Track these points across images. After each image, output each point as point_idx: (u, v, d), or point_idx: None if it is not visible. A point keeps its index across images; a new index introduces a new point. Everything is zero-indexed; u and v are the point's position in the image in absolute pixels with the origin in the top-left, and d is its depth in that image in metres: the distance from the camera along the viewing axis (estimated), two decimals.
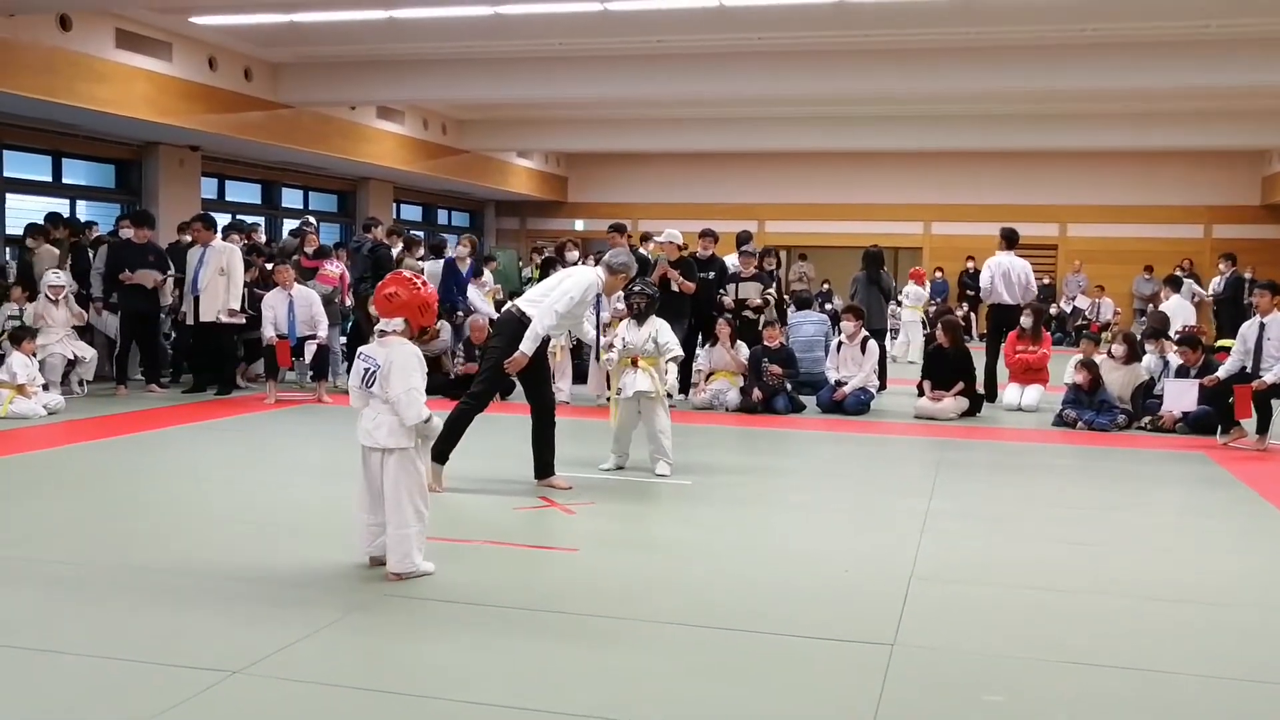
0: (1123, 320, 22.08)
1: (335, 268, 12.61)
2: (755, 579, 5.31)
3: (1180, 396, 10.34)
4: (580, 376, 12.21)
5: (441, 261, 13.35)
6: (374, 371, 5.09)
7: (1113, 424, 10.44)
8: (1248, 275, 18.74)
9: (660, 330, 7.84)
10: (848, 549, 6.01)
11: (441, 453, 7.01)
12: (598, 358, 8.72)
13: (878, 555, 5.80)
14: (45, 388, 10.42)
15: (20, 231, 13.25)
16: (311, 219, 14.43)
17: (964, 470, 8.48)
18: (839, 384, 11.38)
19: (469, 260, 13.12)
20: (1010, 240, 12.52)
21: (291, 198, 20.79)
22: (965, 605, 4.99)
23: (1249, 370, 9.67)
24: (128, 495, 7.11)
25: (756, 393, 11.14)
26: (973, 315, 22.72)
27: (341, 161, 18.52)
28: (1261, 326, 9.69)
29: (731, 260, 12.47)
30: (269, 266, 12.59)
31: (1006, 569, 5.62)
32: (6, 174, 14.95)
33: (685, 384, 11.78)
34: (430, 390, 5.46)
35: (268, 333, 11.38)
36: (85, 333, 11.81)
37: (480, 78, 15.32)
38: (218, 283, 11.63)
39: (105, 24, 12.75)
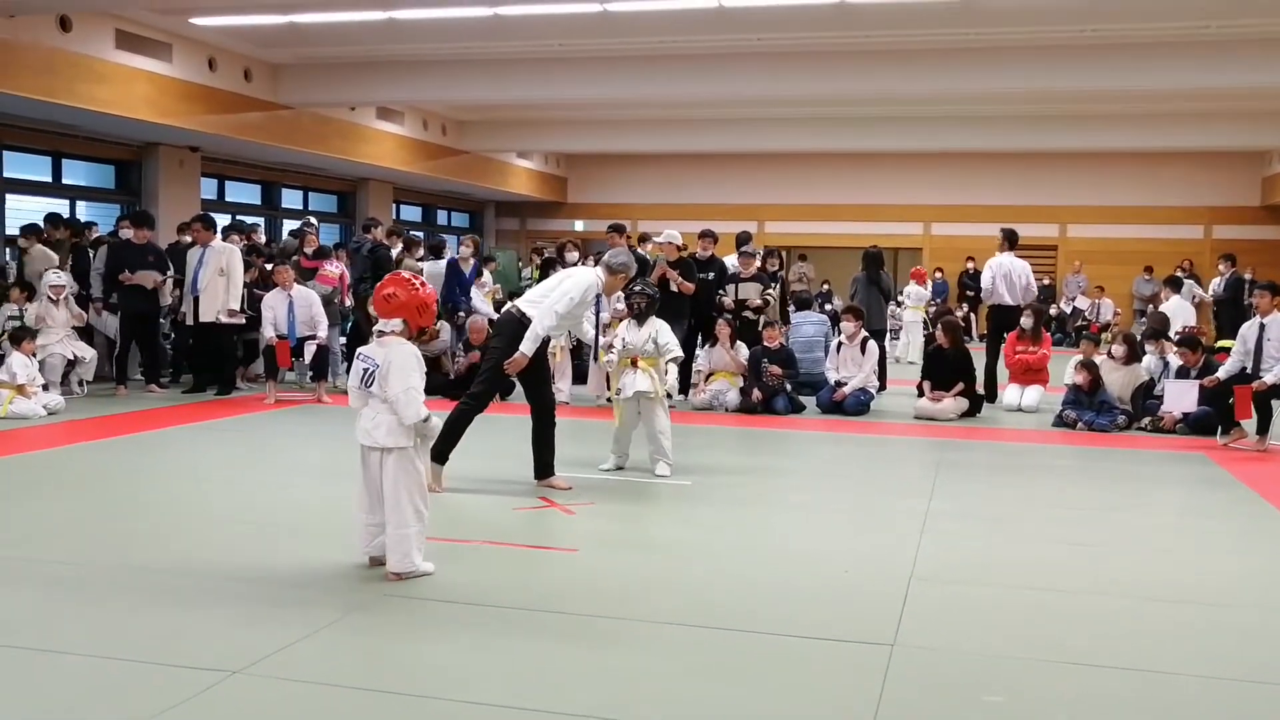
0: (1123, 321, 22.09)
1: (335, 268, 12.61)
2: (755, 579, 5.31)
3: (1180, 397, 10.34)
4: (580, 377, 12.22)
5: (441, 262, 13.37)
6: (373, 371, 5.09)
7: (1113, 425, 10.44)
8: (1248, 276, 18.73)
9: (660, 331, 7.84)
10: (847, 549, 6.01)
11: (441, 453, 7.01)
12: (597, 358, 8.71)
13: (877, 555, 5.80)
14: (45, 388, 10.43)
15: (18, 232, 13.22)
16: (313, 219, 14.42)
17: (964, 471, 8.48)
18: (839, 384, 11.38)
19: (472, 261, 13.11)
20: (1011, 241, 12.52)
21: (291, 198, 20.79)
22: (965, 606, 4.98)
23: (1249, 371, 9.66)
24: (128, 495, 7.10)
25: (756, 393, 11.14)
26: (972, 316, 22.73)
27: (341, 162, 18.52)
28: (1261, 327, 9.69)
29: (731, 261, 12.47)
30: (269, 267, 12.59)
31: (1006, 569, 5.61)
32: (6, 174, 14.95)
33: (685, 385, 11.78)
34: (430, 390, 5.46)
35: (268, 333, 11.39)
36: (85, 333, 11.81)
37: (480, 78, 15.33)
38: (217, 283, 11.64)
39: (105, 25, 12.75)
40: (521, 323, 7.13)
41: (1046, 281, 22.69)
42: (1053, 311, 21.91)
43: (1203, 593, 5.29)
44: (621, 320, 8.27)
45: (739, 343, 11.48)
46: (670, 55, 14.43)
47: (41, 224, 13.45)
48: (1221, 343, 14.16)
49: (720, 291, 11.85)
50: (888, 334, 14.84)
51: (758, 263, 12.33)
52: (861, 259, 13.24)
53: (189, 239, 12.39)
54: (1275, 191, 22.33)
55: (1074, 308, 23.36)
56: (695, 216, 20.52)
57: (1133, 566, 5.76)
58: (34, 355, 10.36)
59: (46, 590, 4.94)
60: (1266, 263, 21.12)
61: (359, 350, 5.27)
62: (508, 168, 23.86)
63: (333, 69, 15.61)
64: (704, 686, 3.96)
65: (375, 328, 5.31)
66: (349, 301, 12.86)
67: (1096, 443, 9.88)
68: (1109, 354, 11.32)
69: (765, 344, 11.35)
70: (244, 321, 12.02)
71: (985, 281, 12.54)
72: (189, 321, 11.87)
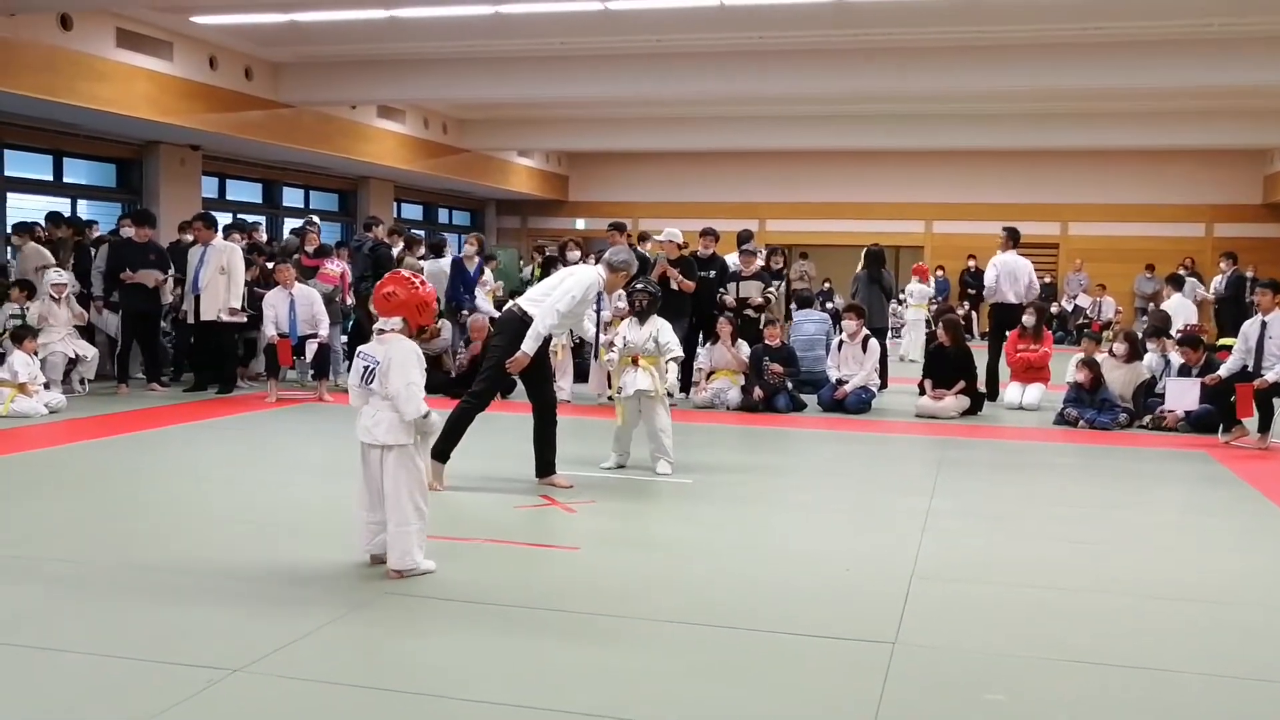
0: (1124, 319, 22.07)
1: (336, 266, 12.60)
2: (756, 578, 5.31)
3: (1182, 395, 10.33)
4: (581, 375, 12.21)
5: (441, 261, 13.37)
6: (373, 369, 5.09)
7: (1114, 423, 10.43)
8: (1249, 274, 18.73)
9: (661, 330, 7.84)
10: (849, 548, 6.00)
11: (443, 451, 7.01)
12: (598, 356, 8.71)
13: (879, 554, 5.79)
14: (46, 386, 10.43)
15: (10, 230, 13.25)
16: (315, 218, 14.43)
17: (965, 469, 8.48)
18: (840, 382, 11.38)
19: (476, 259, 13.11)
20: (1015, 239, 12.53)
21: (292, 197, 20.80)
22: (966, 604, 4.98)
23: (1250, 369, 9.65)
24: (128, 494, 7.10)
25: (758, 391, 11.13)
26: (974, 314, 22.74)
27: (342, 161, 18.52)
28: (1263, 325, 9.68)
29: (732, 259, 12.46)
30: (270, 265, 12.59)
31: (1008, 568, 5.61)
32: (8, 173, 14.96)
33: (686, 383, 11.78)
34: (431, 389, 5.46)
35: (269, 331, 11.38)
36: (86, 332, 11.82)
37: (481, 77, 15.32)
38: (218, 282, 11.63)
39: (106, 23, 12.75)
40: (523, 321, 7.12)
41: (1048, 279, 22.68)
42: (1054, 309, 21.90)
43: (1204, 591, 5.29)
44: (623, 319, 8.26)
45: (740, 341, 11.47)
46: (672, 53, 14.43)
47: (42, 222, 13.48)
48: (1223, 341, 14.16)
49: (721, 290, 11.84)
50: (889, 332, 14.83)
51: (759, 261, 12.33)
52: (863, 257, 13.23)
53: (190, 238, 12.39)
54: (1277, 189, 22.31)
55: (1075, 306, 23.35)
56: (696, 215, 20.53)
57: (1134, 564, 5.75)
58: (35, 354, 10.36)
59: (47, 588, 4.94)
60: (1268, 261, 21.10)
61: (359, 349, 5.27)
62: (509, 166, 23.86)
63: (334, 67, 15.61)
64: (705, 685, 3.96)
65: (375, 326, 5.31)
66: (350, 300, 12.86)
67: (1098, 441, 9.87)
68: (1110, 352, 11.31)
69: (766, 342, 11.35)
70: (245, 320, 12.02)
71: (989, 279, 12.54)
72: (190, 320, 11.87)
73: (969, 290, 23.82)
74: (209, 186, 18.02)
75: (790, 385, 11.32)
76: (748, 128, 20.94)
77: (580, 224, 25.65)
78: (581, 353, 12.24)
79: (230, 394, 11.71)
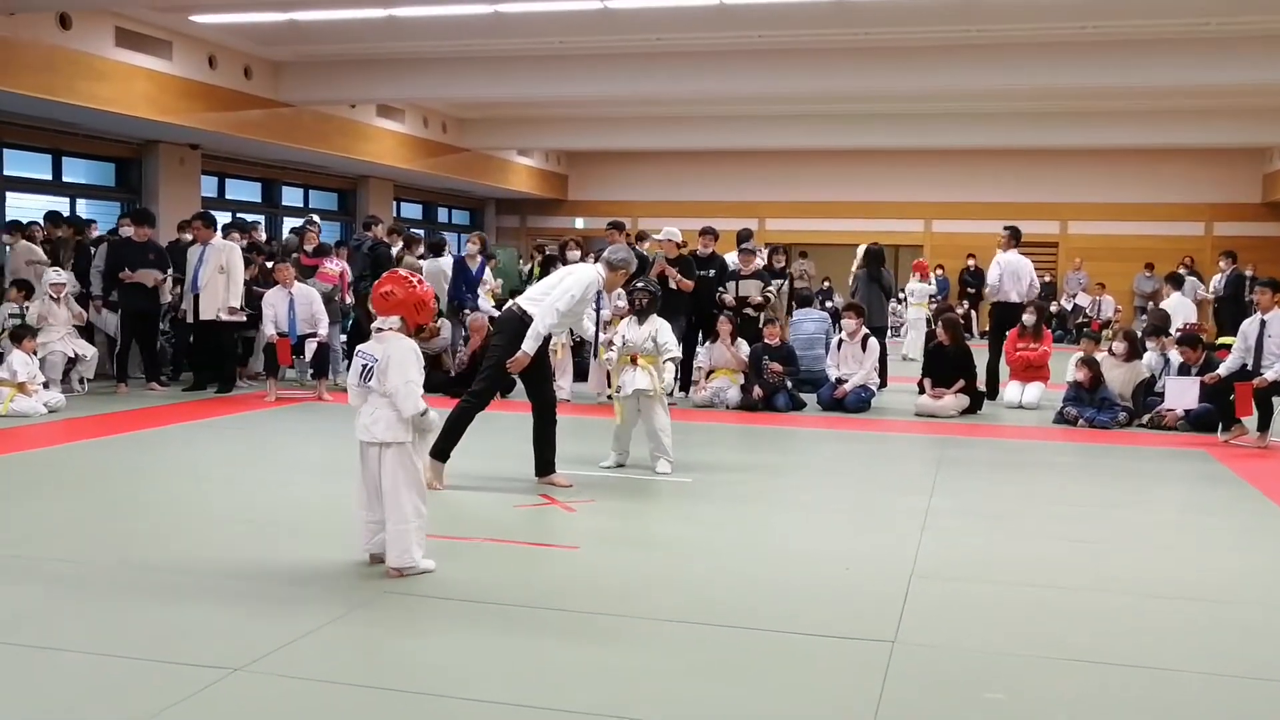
0: (1123, 318, 22.07)
1: (335, 265, 12.60)
2: (756, 577, 5.31)
3: (1182, 394, 10.33)
4: (581, 374, 12.21)
5: (440, 260, 13.37)
6: (371, 367, 5.09)
7: (1114, 421, 10.43)
8: (1248, 273, 18.72)
9: (660, 330, 7.84)
10: (848, 547, 6.00)
11: (442, 450, 7.02)
12: (597, 355, 8.71)
13: (878, 553, 5.79)
14: (46, 386, 10.42)
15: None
16: (316, 217, 14.43)
17: (965, 468, 8.48)
18: (840, 381, 11.38)
19: (479, 258, 13.11)
20: (1017, 238, 12.55)
21: (292, 196, 20.80)
22: (966, 603, 4.98)
23: (1250, 368, 9.66)
24: (128, 493, 7.10)
25: (757, 390, 11.13)
26: (973, 313, 22.74)
27: (342, 160, 18.52)
28: (1262, 324, 9.68)
29: (732, 258, 12.45)
30: (269, 265, 12.59)
31: (1007, 566, 5.61)
32: (7, 172, 14.96)
33: (686, 382, 11.78)
34: (430, 388, 5.46)
35: (268, 330, 11.38)
36: (86, 331, 11.82)
37: (480, 76, 15.32)
38: (217, 281, 11.62)
39: (105, 22, 12.75)
40: (523, 321, 7.12)
41: (1047, 278, 22.67)
42: (1053, 308, 21.90)
43: (1204, 590, 5.29)
44: (622, 318, 8.26)
45: (740, 340, 11.47)
46: (671, 52, 14.43)
47: (40, 221, 13.47)
48: (1222, 339, 14.16)
49: (720, 288, 11.84)
50: (889, 331, 14.83)
51: (758, 260, 12.31)
52: (862, 256, 13.22)
53: (189, 237, 12.39)
54: (1276, 188, 22.31)
55: (1075, 305, 23.35)
56: (696, 214, 20.53)
57: (1134, 563, 5.75)
58: (35, 353, 10.35)
59: (47, 588, 4.93)
60: (1267, 259, 21.09)
61: (358, 347, 5.27)
62: (508, 165, 23.86)
63: (333, 66, 15.61)
64: (705, 684, 3.96)
65: (374, 325, 5.31)
66: (349, 299, 12.86)
67: (1097, 440, 9.87)
68: (1110, 351, 11.31)
69: (766, 341, 11.35)
70: (245, 319, 12.02)
71: (992, 278, 12.52)
72: (189, 319, 11.87)
73: (968, 289, 23.84)
74: (208, 186, 18.02)
75: (790, 384, 11.32)
76: (747, 127, 20.94)
77: (579, 223, 25.65)
78: (581, 352, 12.24)
79: (230, 393, 11.71)
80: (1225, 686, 4.07)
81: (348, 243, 14.48)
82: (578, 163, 26.74)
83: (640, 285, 8.02)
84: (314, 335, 11.45)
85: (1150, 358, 11.35)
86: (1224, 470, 8.50)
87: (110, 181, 16.66)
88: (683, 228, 12.09)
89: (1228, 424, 9.83)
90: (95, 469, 7.87)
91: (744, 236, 13.08)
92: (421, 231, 16.82)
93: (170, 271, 11.91)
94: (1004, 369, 12.32)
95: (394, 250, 13.64)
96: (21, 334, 10.33)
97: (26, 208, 14.84)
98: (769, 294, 11.87)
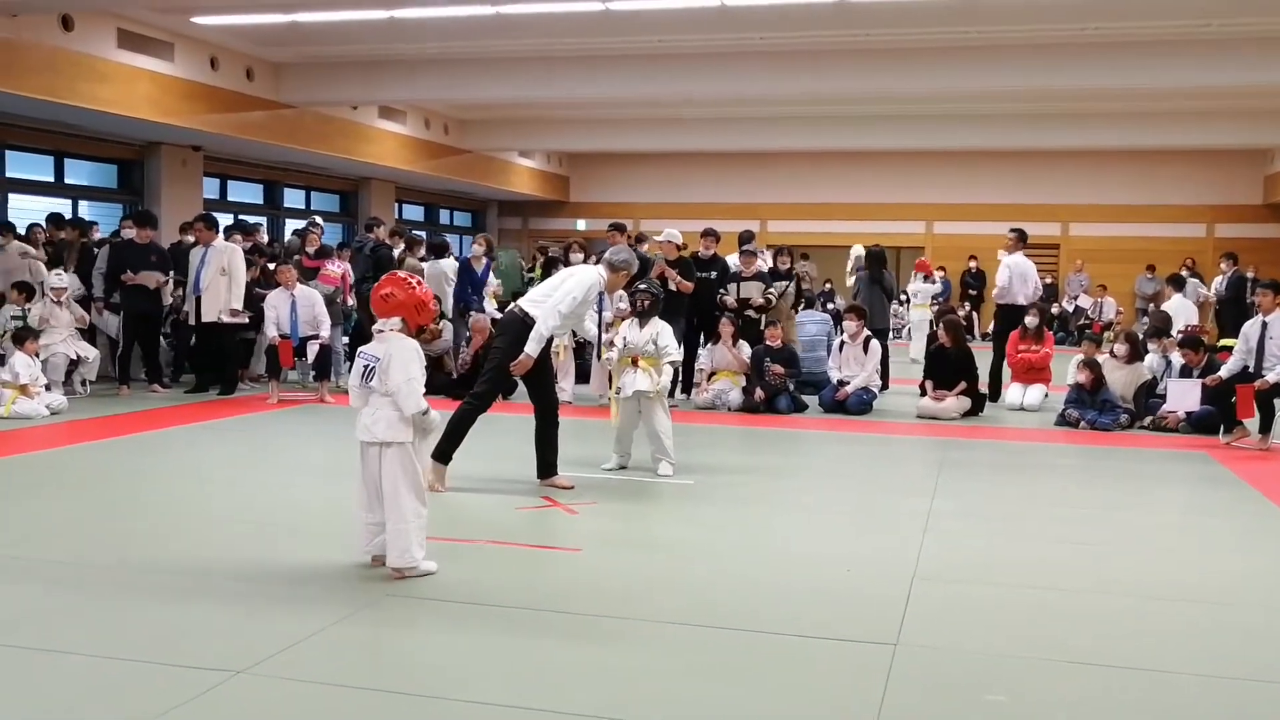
0: (1125, 320, 22.06)
1: (337, 267, 12.61)
2: (758, 579, 5.31)
3: (1183, 396, 10.34)
4: (583, 376, 12.21)
5: (441, 262, 13.38)
6: (373, 367, 5.10)
7: (1115, 423, 10.43)
8: (1250, 274, 18.73)
9: (662, 333, 7.84)
10: (850, 549, 6.00)
11: (444, 453, 7.02)
12: (599, 356, 8.71)
13: (880, 555, 5.80)
14: (48, 388, 10.43)
15: (23, 232, 13.23)
16: (318, 219, 14.45)
17: (966, 470, 8.48)
18: (841, 383, 11.38)
19: (484, 260, 13.12)
20: (1024, 240, 12.57)
21: (293, 198, 20.81)
22: (968, 605, 4.98)
23: (1251, 370, 9.65)
24: (130, 495, 7.11)
25: (759, 392, 11.13)
26: (974, 315, 22.74)
27: (343, 161, 18.53)
28: (1264, 326, 9.67)
29: (734, 260, 12.45)
30: (271, 266, 12.59)
31: (1009, 569, 5.61)
32: (9, 174, 14.98)
33: (688, 384, 11.78)
34: (432, 390, 5.46)
35: (270, 332, 11.39)
36: (88, 333, 11.82)
37: (482, 77, 15.33)
38: (219, 283, 11.63)
39: (107, 24, 12.76)
40: (525, 323, 7.12)
41: (1049, 280, 22.66)
42: (1055, 310, 21.89)
43: (1206, 592, 5.29)
44: (624, 319, 8.26)
45: (741, 342, 11.47)
46: (672, 54, 14.43)
47: (40, 223, 13.48)
48: (1224, 341, 14.15)
49: (722, 290, 11.84)
50: (890, 332, 14.84)
51: (759, 262, 12.30)
52: (864, 257, 13.23)
53: (191, 239, 12.39)
54: (1277, 190, 22.30)
55: (1076, 306, 23.34)
56: (697, 215, 20.55)
57: (1135, 566, 5.75)
58: (37, 355, 10.36)
59: (47, 589, 4.94)
60: (1268, 261, 21.09)
61: (360, 349, 5.28)
62: (510, 167, 23.87)
63: (335, 68, 15.62)
64: (706, 686, 3.96)
65: (375, 327, 5.32)
66: (351, 301, 12.86)
67: (1099, 442, 9.87)
68: (1111, 353, 11.32)
69: (768, 343, 11.35)
70: (247, 321, 12.02)
71: (1001, 280, 12.48)
72: (191, 321, 11.88)
73: (970, 291, 23.85)
74: (210, 187, 18.04)
75: (791, 386, 11.31)
76: (748, 128, 20.95)
77: (581, 224, 25.64)
78: (583, 354, 12.25)
79: (231, 395, 11.71)
80: (1226, 689, 4.07)
81: (350, 244, 14.48)
82: (579, 164, 26.75)
83: (642, 287, 8.03)
84: (316, 337, 11.45)
85: (1152, 360, 11.35)
86: (1225, 472, 8.50)
87: (112, 183, 16.68)
88: (684, 229, 12.09)
89: (1229, 426, 9.83)
90: (97, 471, 7.87)
91: (745, 238, 13.08)
92: (423, 233, 16.82)
93: (172, 273, 11.92)
94: (1005, 371, 12.32)
95: (396, 252, 13.64)
96: (24, 336, 10.33)
97: (29, 209, 14.85)
98: (770, 296, 11.87)
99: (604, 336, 8.21)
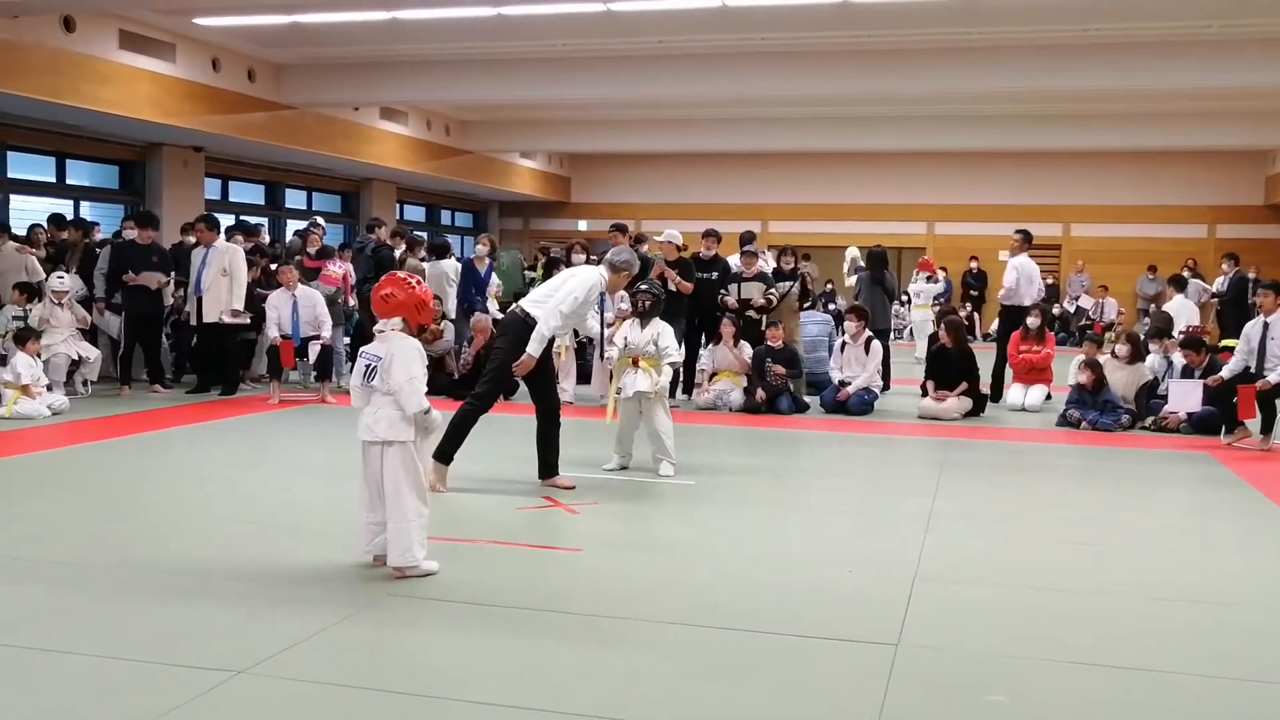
0: (1126, 320, 22.05)
1: (338, 268, 12.61)
2: (759, 579, 5.31)
3: (1185, 397, 10.33)
4: (584, 377, 12.21)
5: (443, 263, 13.39)
6: (375, 366, 5.11)
7: (1116, 424, 10.43)
8: (1251, 275, 18.72)
9: (663, 334, 7.84)
10: (851, 549, 6.00)
11: (445, 453, 7.02)
12: (602, 356, 8.70)
13: (881, 556, 5.80)
14: (49, 388, 10.44)
15: (24, 232, 13.24)
16: (320, 220, 14.45)
17: (968, 470, 8.48)
18: (843, 384, 11.38)
19: (487, 260, 13.12)
20: (1029, 241, 12.60)
21: (295, 198, 20.81)
22: (969, 606, 4.98)
23: (1253, 370, 9.65)
24: (131, 496, 7.11)
25: (760, 393, 11.13)
26: (975, 315, 22.72)
27: (345, 162, 18.53)
28: (1265, 326, 9.66)
29: (735, 260, 12.45)
30: (273, 267, 12.60)
31: (1010, 569, 5.61)
32: (10, 175, 14.97)
33: (689, 384, 11.78)
34: (434, 390, 5.47)
35: (271, 333, 11.40)
36: (90, 334, 11.82)
37: (483, 79, 15.33)
38: (220, 283, 11.64)
39: (109, 25, 12.76)
40: (526, 323, 7.13)
41: (1050, 281, 22.63)
42: (1056, 311, 21.88)
43: (1207, 592, 5.29)
44: (625, 320, 8.26)
45: (743, 342, 11.47)
46: (674, 55, 14.43)
47: (42, 224, 13.49)
48: (1225, 342, 14.14)
49: (723, 291, 11.83)
50: (892, 333, 14.84)
51: (760, 262, 12.30)
52: (865, 258, 13.23)
53: (192, 239, 12.40)
54: (1278, 190, 22.29)
55: (1078, 307, 23.33)
56: (699, 216, 20.53)
57: (1136, 566, 5.75)
58: (39, 355, 10.37)
59: (49, 589, 4.94)
60: (1270, 262, 21.08)
61: (362, 349, 5.29)
62: (511, 168, 23.87)
63: (336, 69, 15.62)
64: (707, 687, 3.96)
65: (376, 327, 5.32)
66: (353, 302, 12.87)
67: (1100, 442, 9.87)
68: (1113, 353, 11.32)
69: (769, 343, 11.34)
70: (248, 321, 12.03)
71: (1009, 281, 12.48)
72: (192, 322, 11.88)
73: (971, 291, 23.84)
74: (212, 188, 18.04)
75: (792, 386, 11.31)
76: (750, 129, 20.94)
77: (582, 225, 25.63)
78: (584, 354, 12.25)
79: (233, 396, 11.72)
80: (1228, 689, 4.07)
81: (351, 245, 14.48)
82: (581, 165, 26.75)
83: (643, 288, 8.03)
84: (317, 338, 11.46)
85: (1153, 360, 11.35)
86: (1227, 473, 8.50)
87: (114, 184, 16.68)
88: (686, 230, 12.10)
89: (1230, 427, 9.83)
90: (98, 471, 7.88)
91: (746, 239, 13.09)
92: (424, 234, 16.83)
93: (173, 274, 11.92)
94: (1008, 371, 12.32)
95: (397, 253, 13.65)
96: (25, 336, 10.34)
97: (30, 210, 14.86)
98: (771, 296, 11.87)
99: (605, 333, 8.20)
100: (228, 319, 11.67)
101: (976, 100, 18.12)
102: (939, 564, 5.61)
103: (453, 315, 13.02)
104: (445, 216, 26.08)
